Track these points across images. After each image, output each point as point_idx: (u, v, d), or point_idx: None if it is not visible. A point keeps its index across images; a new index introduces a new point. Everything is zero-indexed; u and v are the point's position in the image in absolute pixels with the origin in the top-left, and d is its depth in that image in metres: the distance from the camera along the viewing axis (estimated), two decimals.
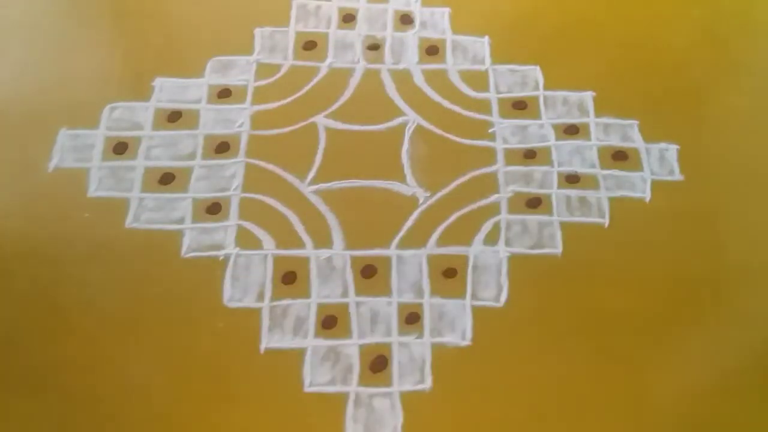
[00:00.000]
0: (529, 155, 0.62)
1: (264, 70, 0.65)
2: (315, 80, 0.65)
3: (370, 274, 0.56)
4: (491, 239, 0.57)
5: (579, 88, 0.65)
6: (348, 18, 0.69)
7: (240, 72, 0.64)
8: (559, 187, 0.60)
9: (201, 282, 0.54)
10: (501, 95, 0.65)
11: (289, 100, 0.63)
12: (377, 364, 0.52)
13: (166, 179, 0.59)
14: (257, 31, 0.67)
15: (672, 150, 0.62)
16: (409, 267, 0.56)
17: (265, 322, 0.53)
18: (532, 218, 0.58)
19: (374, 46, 0.67)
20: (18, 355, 0.51)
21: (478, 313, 0.54)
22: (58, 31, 0.66)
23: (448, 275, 0.56)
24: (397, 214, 0.58)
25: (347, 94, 0.64)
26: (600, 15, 0.70)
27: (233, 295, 0.54)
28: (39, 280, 0.54)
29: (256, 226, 0.57)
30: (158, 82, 0.63)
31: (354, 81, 0.65)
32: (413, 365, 0.52)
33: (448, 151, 0.61)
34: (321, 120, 0.62)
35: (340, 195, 0.59)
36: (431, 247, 0.57)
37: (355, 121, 0.62)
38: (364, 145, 0.61)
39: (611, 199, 0.60)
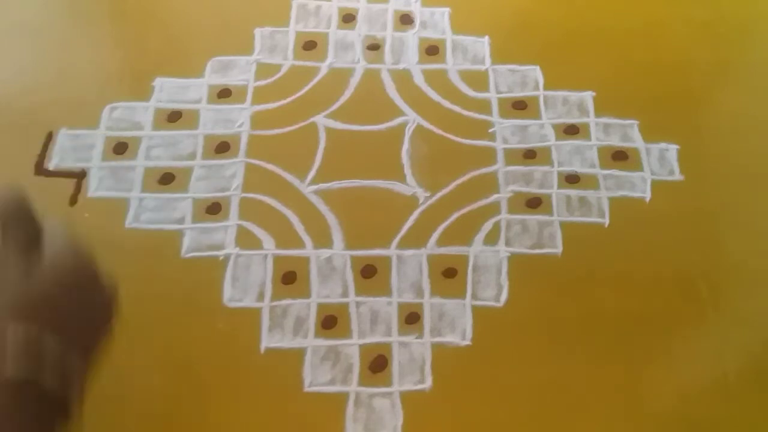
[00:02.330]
0: (529, 155, 0.62)
1: (264, 70, 0.65)
2: (315, 80, 0.65)
3: (370, 274, 0.56)
4: (491, 239, 0.57)
5: (579, 88, 0.65)
6: (348, 18, 0.69)
7: (240, 72, 0.64)
8: (559, 187, 0.60)
9: (201, 282, 0.54)
10: (501, 95, 0.65)
11: (289, 100, 0.63)
12: (377, 364, 0.52)
13: (166, 179, 0.59)
14: (257, 31, 0.67)
15: (672, 150, 0.62)
16: (409, 267, 0.56)
17: (265, 322, 0.53)
18: (532, 218, 0.58)
19: (374, 46, 0.67)
20: None
21: (478, 313, 0.54)
22: (58, 31, 0.66)
23: (448, 275, 0.56)
24: (397, 214, 0.58)
25: (347, 94, 0.64)
26: (600, 15, 0.70)
27: (233, 295, 0.54)
28: None
29: (256, 226, 0.57)
30: (158, 82, 0.63)
31: (354, 81, 0.65)
32: (413, 365, 0.52)
33: (448, 151, 0.61)
34: (321, 120, 0.62)
35: (340, 195, 0.59)
36: (431, 247, 0.57)
37: (355, 121, 0.62)
38: (364, 145, 0.61)
39: (611, 199, 0.59)
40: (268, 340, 0.52)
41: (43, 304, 0.32)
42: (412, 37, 0.68)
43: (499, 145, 0.62)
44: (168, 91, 0.63)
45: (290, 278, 0.55)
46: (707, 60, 0.68)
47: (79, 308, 0.35)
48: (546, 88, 0.65)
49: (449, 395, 0.51)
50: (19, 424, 0.28)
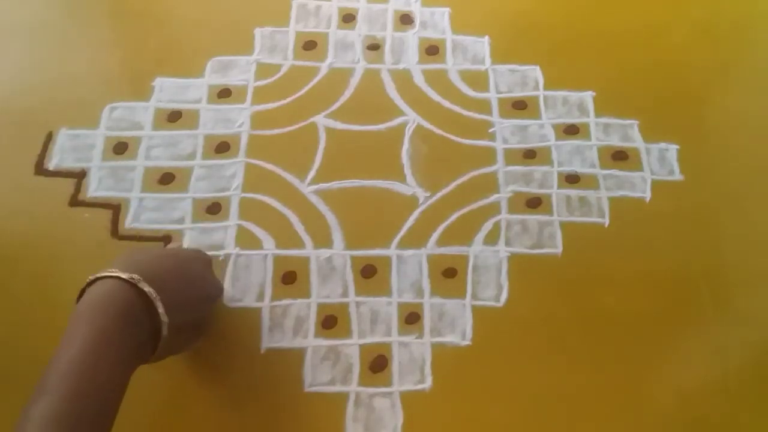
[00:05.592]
0: (529, 155, 0.62)
1: (264, 70, 0.65)
2: (315, 80, 0.65)
3: (370, 274, 0.56)
4: (491, 239, 0.57)
5: (579, 88, 0.65)
6: (348, 18, 0.69)
7: (240, 72, 0.64)
8: (559, 187, 0.60)
9: None
10: (501, 95, 0.65)
11: (289, 100, 0.63)
12: (377, 364, 0.52)
13: (166, 179, 0.59)
14: (257, 31, 0.67)
15: (672, 150, 0.62)
16: (409, 267, 0.56)
17: (265, 322, 0.53)
18: (532, 218, 0.58)
19: (374, 46, 0.67)
20: (18, 355, 0.51)
21: (478, 313, 0.54)
22: (59, 31, 0.66)
23: (448, 275, 0.56)
24: (397, 214, 0.58)
25: (347, 94, 0.64)
26: (600, 15, 0.70)
27: (233, 295, 0.54)
28: (39, 280, 0.54)
29: (256, 226, 0.57)
30: (158, 82, 0.63)
31: (354, 81, 0.65)
32: (413, 365, 0.52)
33: (448, 151, 0.61)
34: (321, 120, 0.62)
35: (340, 195, 0.59)
36: (431, 247, 0.57)
37: (355, 121, 0.62)
38: (364, 145, 0.61)
39: (611, 199, 0.60)
40: (268, 340, 0.52)
41: (164, 275, 0.43)
42: (412, 37, 0.68)
43: (499, 145, 0.62)
44: (168, 91, 0.63)
45: (290, 278, 0.55)
46: (707, 60, 0.68)
47: (189, 287, 0.45)
48: (546, 88, 0.65)
49: (449, 395, 0.51)
50: (119, 345, 0.39)
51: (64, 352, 0.38)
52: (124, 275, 0.40)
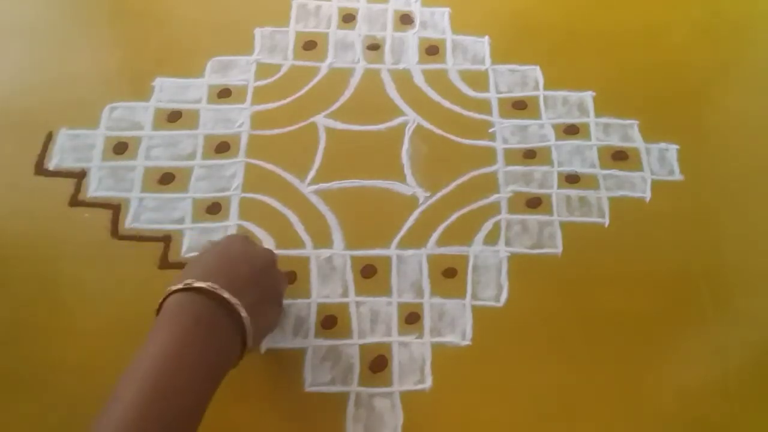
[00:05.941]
0: (529, 155, 0.62)
1: (264, 70, 0.65)
2: (315, 80, 0.65)
3: (370, 273, 0.56)
4: (491, 239, 0.57)
5: (579, 88, 0.65)
6: (348, 18, 0.69)
7: (240, 72, 0.64)
8: (559, 187, 0.60)
9: None
10: (501, 95, 0.65)
11: (289, 100, 0.63)
12: (377, 364, 0.52)
13: (166, 179, 0.59)
14: (257, 31, 0.67)
15: (672, 150, 0.62)
16: (409, 267, 0.56)
17: None
18: (532, 218, 0.58)
19: (374, 46, 0.67)
20: (18, 355, 0.51)
21: (478, 313, 0.54)
22: (59, 31, 0.66)
23: (448, 275, 0.56)
24: (397, 214, 0.58)
25: (347, 94, 0.64)
26: (600, 15, 0.70)
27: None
28: (38, 281, 0.54)
29: (256, 226, 0.57)
30: (158, 82, 0.63)
31: (354, 81, 0.65)
32: (413, 365, 0.52)
33: (448, 151, 0.61)
34: (321, 120, 0.62)
35: (340, 195, 0.59)
36: (431, 246, 0.57)
37: (355, 121, 0.62)
38: (364, 145, 0.61)
39: (611, 199, 0.60)
40: (268, 340, 0.52)
41: (242, 284, 0.42)
42: (412, 37, 0.68)
43: (499, 145, 0.62)
44: (168, 91, 0.63)
45: (290, 278, 0.55)
46: (707, 60, 0.68)
47: (264, 293, 0.45)
48: (546, 88, 0.65)
49: (449, 395, 0.51)
50: (200, 352, 0.39)
51: (139, 360, 0.37)
52: (203, 284, 0.40)
